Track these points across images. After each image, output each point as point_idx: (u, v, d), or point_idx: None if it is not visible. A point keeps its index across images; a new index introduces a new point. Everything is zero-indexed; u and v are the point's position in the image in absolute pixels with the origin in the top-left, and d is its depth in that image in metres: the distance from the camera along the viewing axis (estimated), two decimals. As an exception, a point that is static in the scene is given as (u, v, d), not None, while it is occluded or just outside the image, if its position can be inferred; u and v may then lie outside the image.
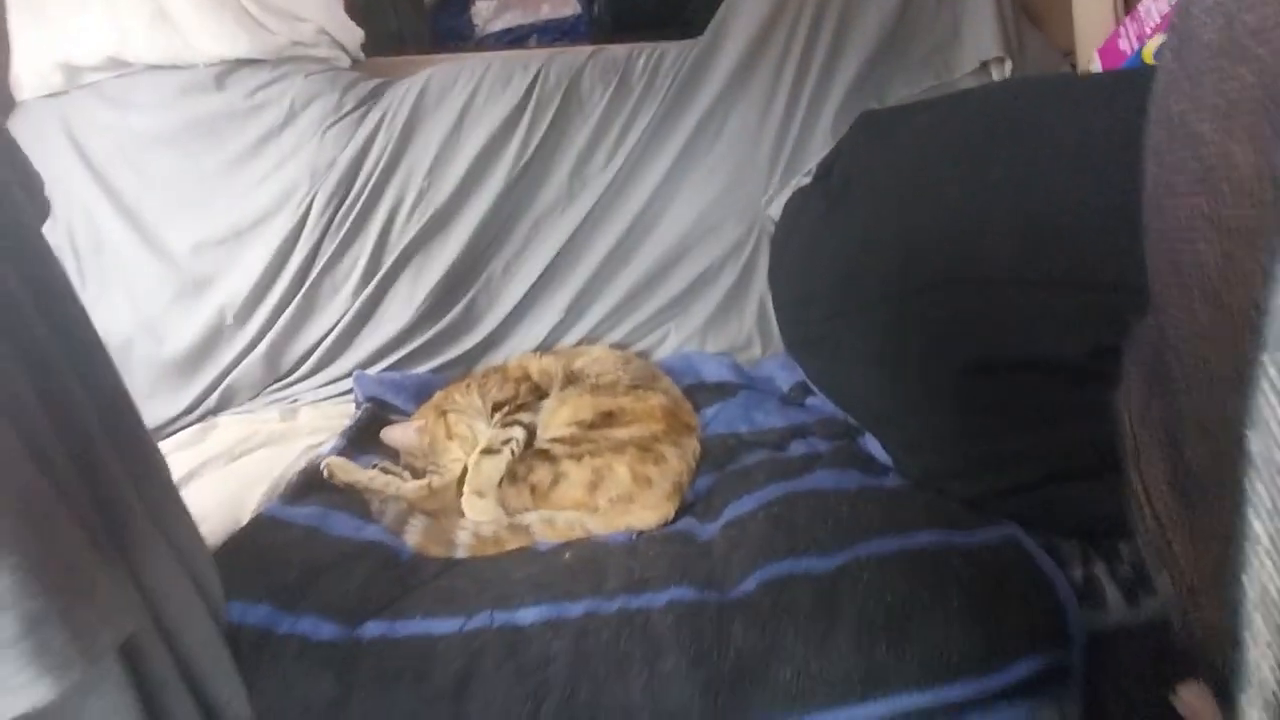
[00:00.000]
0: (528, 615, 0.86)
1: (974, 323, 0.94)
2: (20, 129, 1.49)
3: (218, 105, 1.49)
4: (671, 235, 1.55)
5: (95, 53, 1.45)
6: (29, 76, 1.48)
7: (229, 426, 1.41)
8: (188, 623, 0.69)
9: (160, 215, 1.49)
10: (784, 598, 0.84)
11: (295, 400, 1.47)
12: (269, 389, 1.49)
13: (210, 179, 1.49)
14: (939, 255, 0.98)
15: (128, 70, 1.49)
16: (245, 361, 1.46)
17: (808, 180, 1.52)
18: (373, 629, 0.86)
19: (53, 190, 1.43)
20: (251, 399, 1.49)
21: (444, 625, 0.86)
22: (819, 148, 1.54)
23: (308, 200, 1.48)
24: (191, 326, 1.46)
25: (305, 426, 1.36)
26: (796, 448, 1.24)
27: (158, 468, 0.75)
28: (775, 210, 1.54)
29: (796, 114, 1.56)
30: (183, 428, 1.46)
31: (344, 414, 1.41)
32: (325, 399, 1.47)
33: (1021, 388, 0.93)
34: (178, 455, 1.30)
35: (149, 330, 1.46)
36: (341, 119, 1.52)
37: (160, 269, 1.47)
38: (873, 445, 1.19)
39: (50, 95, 1.50)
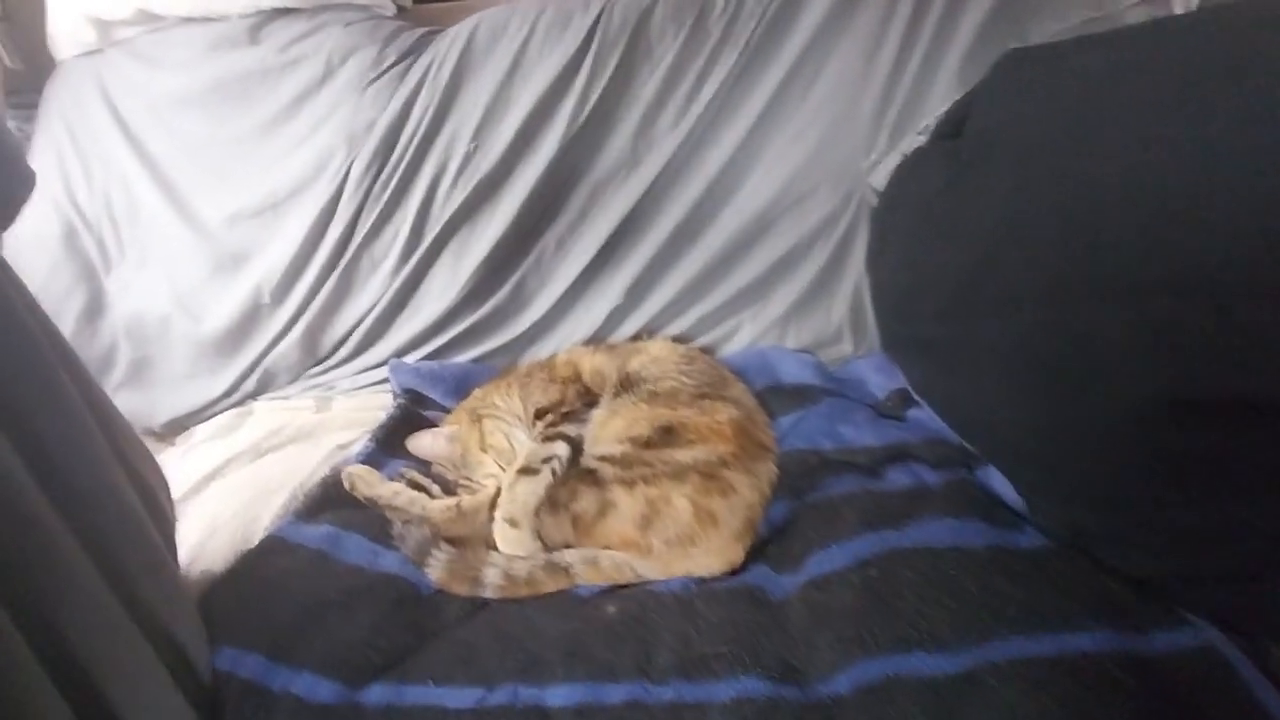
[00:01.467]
0: (558, 695, 0.70)
1: (1175, 342, 0.67)
2: (58, 90, 1.42)
3: (250, 61, 1.36)
4: (751, 208, 1.31)
5: (125, 5, 1.34)
6: (64, 34, 1.39)
7: (263, 414, 1.32)
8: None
9: (195, 184, 1.40)
10: (888, 712, 0.64)
11: (331, 387, 1.37)
12: (306, 374, 1.40)
13: (244, 144, 1.38)
14: (1124, 246, 0.71)
15: (159, 25, 1.38)
16: (282, 344, 1.37)
17: (924, 140, 1.24)
18: (377, 694, 0.72)
19: (92, 154, 1.32)
20: (289, 383, 1.40)
21: (460, 697, 0.71)
22: (939, 99, 1.25)
23: (345, 167, 1.34)
24: (228, 305, 1.37)
25: (338, 419, 1.25)
26: (896, 476, 1.01)
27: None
28: (880, 178, 1.27)
29: (911, 58, 1.27)
30: (221, 411, 1.39)
31: (380, 405, 1.29)
32: (362, 387, 1.36)
33: (1238, 437, 0.67)
34: (208, 445, 1.23)
35: (186, 308, 1.38)
36: (382, 74, 1.36)
37: (196, 241, 1.38)
38: (997, 479, 0.95)
39: (85, 54, 1.41)
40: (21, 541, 0.48)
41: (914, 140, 1.25)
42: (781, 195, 1.30)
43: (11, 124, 1.42)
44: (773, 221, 1.31)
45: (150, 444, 1.40)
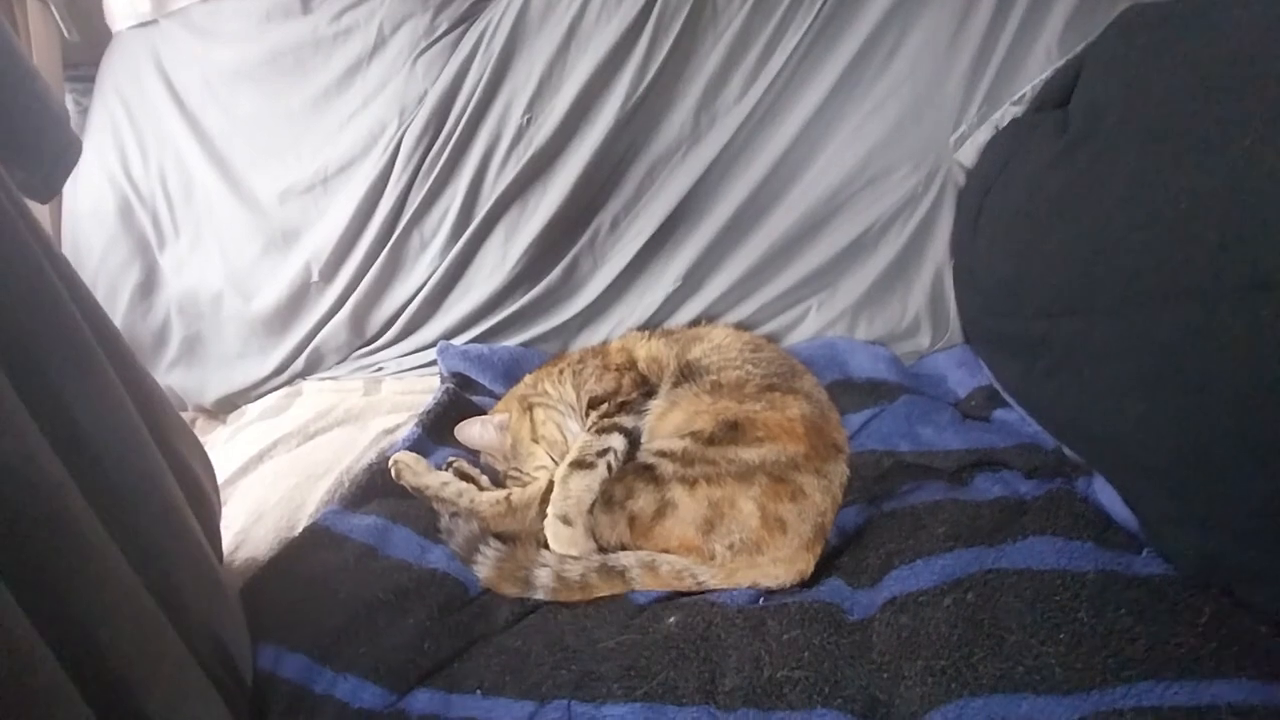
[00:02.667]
0: (615, 717, 0.64)
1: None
2: (114, 63, 1.40)
3: (303, 32, 1.32)
4: (821, 187, 1.21)
5: (179, -26, 1.31)
6: (120, 5, 1.37)
7: (312, 395, 1.31)
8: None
9: (248, 160, 1.37)
10: (993, 763, 0.56)
11: (380, 369, 1.34)
12: (355, 354, 1.37)
13: (296, 118, 1.35)
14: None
15: (214, -6, 1.35)
16: (331, 323, 1.34)
17: (1020, 111, 1.12)
18: (423, 701, 0.68)
19: (146, 129, 1.30)
20: (338, 363, 1.38)
21: (509, 711, 0.66)
22: (1039, 65, 1.12)
23: (395, 141, 1.29)
24: (279, 283, 1.35)
25: (385, 402, 1.22)
26: (984, 485, 0.92)
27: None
28: (968, 154, 1.16)
29: (1008, 21, 1.14)
30: (270, 390, 1.38)
31: (428, 388, 1.26)
32: (410, 369, 1.32)
33: None
34: (257, 426, 1.21)
35: (237, 286, 1.37)
36: (434, 43, 1.30)
37: (248, 218, 1.36)
38: (1103, 492, 0.85)
39: (141, 25, 1.39)
40: (51, 538, 0.44)
41: (1009, 111, 1.13)
42: (855, 174, 1.19)
43: (69, 97, 1.42)
44: (845, 202, 1.21)
45: (201, 422, 1.41)
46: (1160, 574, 0.70)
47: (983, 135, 1.14)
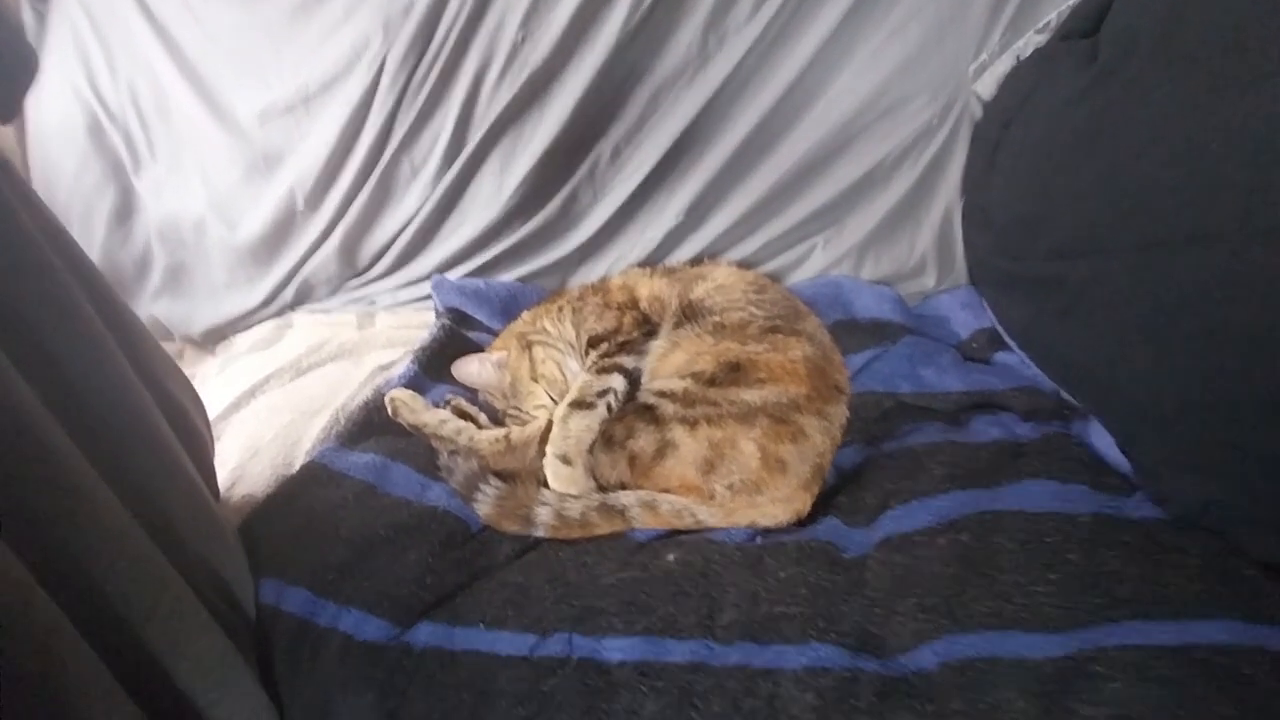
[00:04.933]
0: (616, 650, 0.66)
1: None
2: (75, -33, 1.28)
3: (277, -69, 1.21)
4: (833, 117, 1.15)
5: None
6: (77, -101, 1.25)
7: (304, 328, 1.28)
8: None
9: (224, 76, 1.28)
10: (981, 697, 0.58)
11: (373, 302, 1.31)
12: (346, 286, 1.33)
13: (274, 30, 1.25)
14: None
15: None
16: (319, 253, 1.30)
17: (1044, 40, 1.06)
18: (426, 633, 0.69)
19: (113, 40, 1.20)
20: (329, 295, 1.34)
21: (512, 643, 0.68)
22: (1069, -11, 1.05)
23: (380, 58, 1.21)
24: (263, 210, 1.29)
25: (380, 337, 1.20)
26: (982, 426, 0.93)
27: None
28: (987, 85, 1.10)
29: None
30: (260, 321, 1.35)
31: (423, 323, 1.23)
32: (404, 303, 1.29)
33: None
34: (248, 359, 1.19)
35: (220, 213, 1.31)
36: (419, -52, 1.20)
37: (227, 140, 1.29)
38: (1098, 436, 0.85)
39: (99, -79, 1.26)
40: (40, 479, 0.43)
41: (1032, 40, 1.07)
42: (869, 104, 1.14)
43: (25, 3, 1.31)
44: (857, 134, 1.16)
45: (190, 353, 1.39)
46: (1152, 517, 0.72)
47: (1003, 66, 1.08)
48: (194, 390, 0.79)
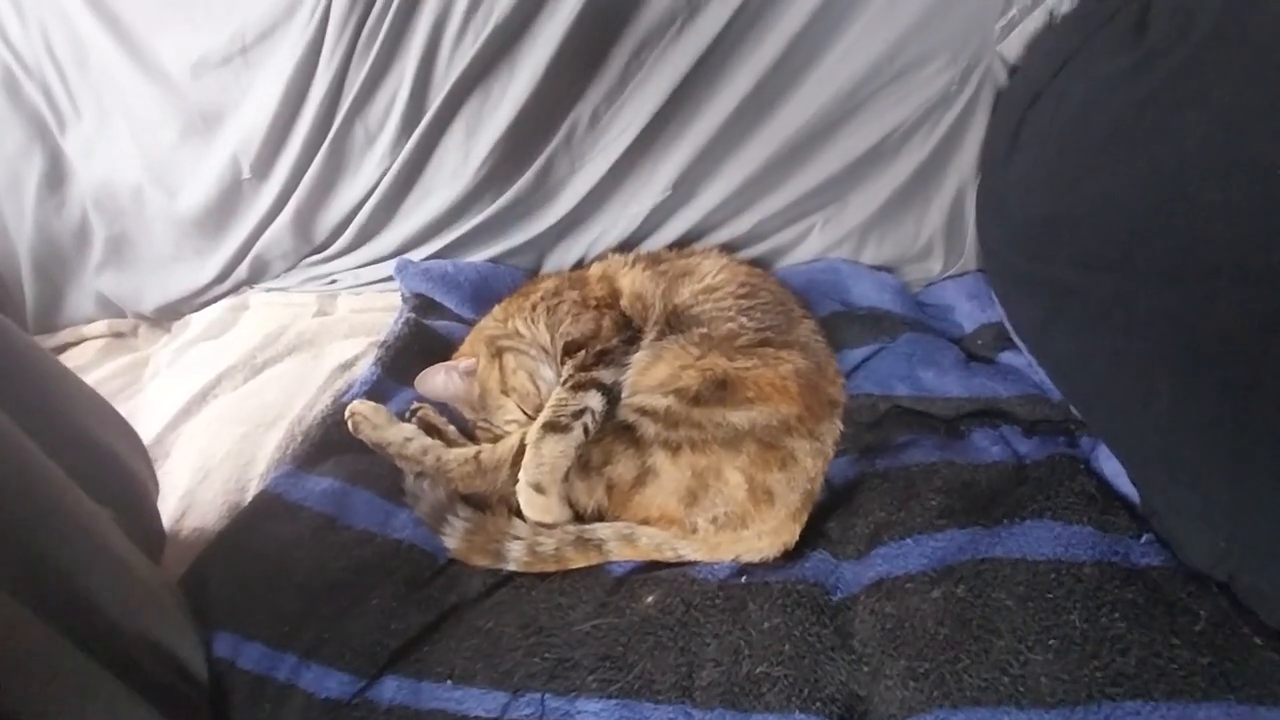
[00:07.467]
0: (590, 714, 0.63)
1: None
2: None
3: None
4: (841, 78, 1.02)
5: None
6: None
7: (260, 309, 1.19)
8: None
9: (147, 20, 1.14)
10: (969, 785, 0.55)
11: (333, 281, 1.21)
12: (305, 263, 1.23)
13: (199, -34, 1.08)
14: None
15: None
16: (273, 227, 1.19)
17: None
18: (392, 689, 0.66)
19: None
20: (287, 270, 1.25)
21: (481, 702, 0.65)
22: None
23: (324, 3, 1.05)
24: (205, 177, 1.18)
25: (342, 324, 1.11)
26: (982, 441, 0.87)
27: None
28: (1014, 48, 0.97)
29: None
30: (214, 298, 1.25)
31: (388, 305, 1.15)
32: (367, 283, 1.20)
33: None
34: (200, 348, 1.11)
35: (158, 178, 1.20)
36: None
37: (158, 94, 1.15)
38: (1108, 459, 0.80)
39: None
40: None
41: (1064, 2, 0.93)
42: (882, 63, 1.00)
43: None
44: (866, 100, 1.03)
45: (144, 330, 1.30)
46: (1159, 565, 0.68)
47: (1034, 24, 0.94)
48: (127, 425, 0.72)
